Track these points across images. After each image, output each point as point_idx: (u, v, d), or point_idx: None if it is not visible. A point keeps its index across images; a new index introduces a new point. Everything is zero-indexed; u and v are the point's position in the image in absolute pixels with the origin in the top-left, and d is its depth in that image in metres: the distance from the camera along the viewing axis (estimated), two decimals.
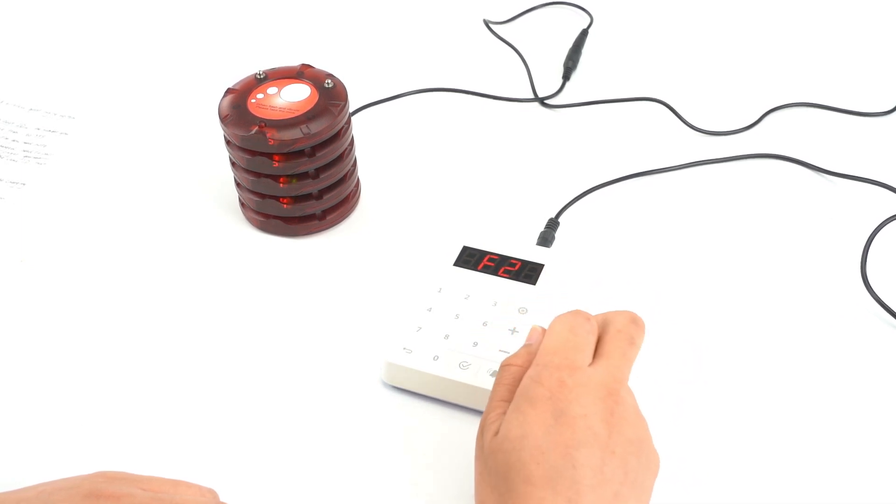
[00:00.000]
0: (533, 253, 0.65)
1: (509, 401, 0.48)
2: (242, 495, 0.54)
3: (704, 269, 0.68)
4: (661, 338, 0.63)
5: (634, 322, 0.51)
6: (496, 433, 0.47)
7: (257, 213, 0.72)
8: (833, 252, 0.69)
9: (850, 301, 0.65)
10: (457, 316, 0.61)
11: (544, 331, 0.52)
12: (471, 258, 0.65)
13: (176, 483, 0.49)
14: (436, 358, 0.59)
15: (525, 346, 0.52)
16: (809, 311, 0.64)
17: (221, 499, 0.51)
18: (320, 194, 0.71)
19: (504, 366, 0.51)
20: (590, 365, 0.48)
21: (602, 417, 0.45)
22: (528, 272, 0.63)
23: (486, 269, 0.64)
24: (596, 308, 0.63)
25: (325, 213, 0.72)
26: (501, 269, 0.63)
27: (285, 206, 0.70)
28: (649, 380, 0.60)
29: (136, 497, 0.46)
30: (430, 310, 0.62)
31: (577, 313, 0.51)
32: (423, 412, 0.59)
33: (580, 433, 0.45)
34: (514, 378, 0.49)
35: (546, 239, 0.69)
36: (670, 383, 0.60)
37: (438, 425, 0.58)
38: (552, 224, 0.71)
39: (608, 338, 0.50)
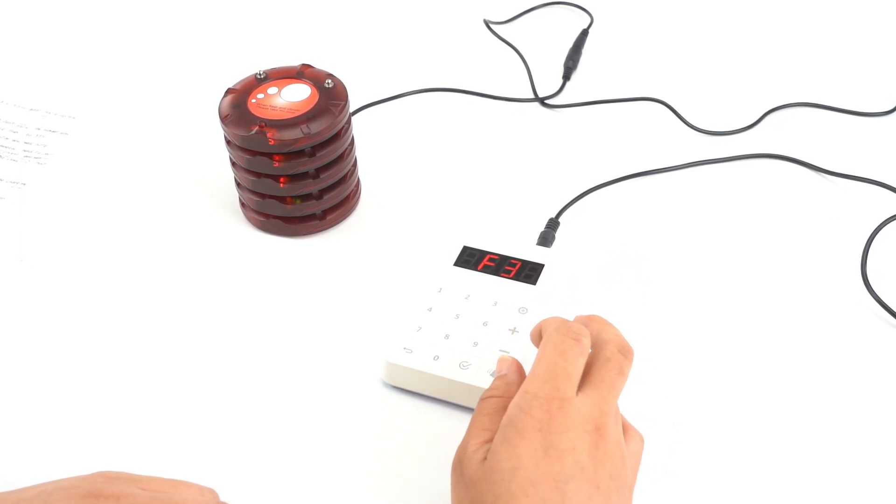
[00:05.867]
0: (533, 253, 0.65)
1: (490, 430, 0.48)
2: (242, 495, 0.54)
3: (704, 268, 0.68)
4: (661, 338, 0.63)
5: (623, 352, 0.50)
6: (483, 459, 0.46)
7: (257, 212, 0.72)
8: (833, 252, 0.69)
9: (850, 301, 0.65)
10: (457, 316, 0.61)
11: (514, 361, 0.52)
12: (471, 258, 0.65)
13: (176, 483, 0.49)
14: (436, 358, 0.59)
15: (500, 377, 0.51)
16: (809, 311, 0.64)
17: (221, 498, 0.51)
18: (320, 194, 0.71)
19: (483, 399, 0.50)
20: (578, 393, 0.48)
21: (588, 451, 0.45)
22: (528, 272, 0.63)
23: (486, 269, 0.64)
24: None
25: (326, 212, 0.72)
26: (502, 270, 0.63)
27: (285, 205, 0.70)
28: (650, 380, 0.60)
29: (136, 497, 0.46)
30: (430, 310, 0.62)
31: (566, 332, 0.49)
32: (423, 412, 0.59)
33: (568, 467, 0.45)
34: (495, 408, 0.49)
35: (546, 239, 0.69)
36: (670, 383, 0.60)
37: (438, 425, 0.58)
38: (552, 224, 0.71)
39: (597, 366, 0.49)
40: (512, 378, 0.51)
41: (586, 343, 0.49)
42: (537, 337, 0.52)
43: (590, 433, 0.46)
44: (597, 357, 0.50)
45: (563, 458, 0.45)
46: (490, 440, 0.47)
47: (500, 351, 0.58)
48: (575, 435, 0.45)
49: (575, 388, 0.48)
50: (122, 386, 0.61)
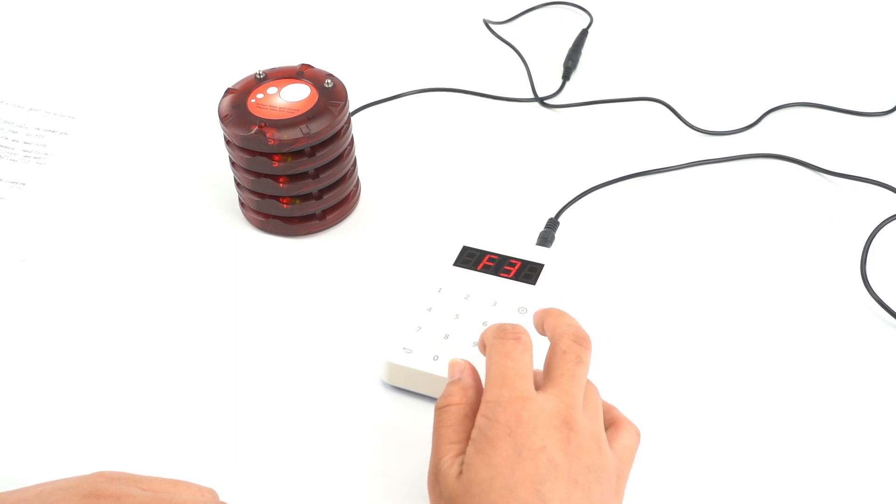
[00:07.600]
0: (533, 253, 0.65)
1: (458, 441, 0.47)
2: (242, 495, 0.54)
3: (704, 268, 0.68)
4: (660, 337, 0.63)
5: (578, 341, 0.49)
6: (459, 474, 0.46)
7: (257, 212, 0.72)
8: (833, 252, 0.69)
9: (850, 301, 0.65)
10: (457, 316, 0.61)
11: (467, 363, 0.51)
12: (471, 258, 0.65)
13: (176, 483, 0.49)
14: (436, 358, 0.59)
15: (453, 382, 0.51)
16: (809, 311, 0.64)
17: (221, 498, 0.51)
18: (320, 194, 0.71)
19: (440, 408, 0.49)
20: (540, 390, 0.47)
21: (560, 447, 0.45)
22: (527, 272, 0.63)
23: (485, 269, 0.64)
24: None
25: (326, 212, 0.72)
26: (501, 269, 0.63)
27: (285, 205, 0.70)
28: (650, 380, 0.60)
29: (135, 497, 0.46)
30: (430, 310, 0.62)
31: (504, 335, 0.49)
32: (423, 412, 0.59)
33: (542, 467, 0.44)
34: (456, 417, 0.48)
35: (546, 239, 0.69)
36: (670, 383, 0.60)
37: None
38: (552, 224, 0.71)
39: (555, 361, 0.49)
40: (467, 382, 0.50)
41: (526, 339, 0.49)
42: (483, 348, 0.51)
43: (558, 428, 0.45)
44: (554, 351, 0.49)
45: (536, 458, 0.44)
46: (462, 452, 0.47)
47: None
48: (544, 433, 0.45)
49: (531, 384, 0.47)
50: (122, 386, 0.61)
